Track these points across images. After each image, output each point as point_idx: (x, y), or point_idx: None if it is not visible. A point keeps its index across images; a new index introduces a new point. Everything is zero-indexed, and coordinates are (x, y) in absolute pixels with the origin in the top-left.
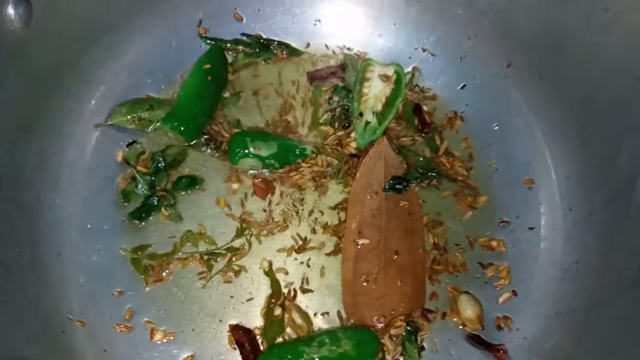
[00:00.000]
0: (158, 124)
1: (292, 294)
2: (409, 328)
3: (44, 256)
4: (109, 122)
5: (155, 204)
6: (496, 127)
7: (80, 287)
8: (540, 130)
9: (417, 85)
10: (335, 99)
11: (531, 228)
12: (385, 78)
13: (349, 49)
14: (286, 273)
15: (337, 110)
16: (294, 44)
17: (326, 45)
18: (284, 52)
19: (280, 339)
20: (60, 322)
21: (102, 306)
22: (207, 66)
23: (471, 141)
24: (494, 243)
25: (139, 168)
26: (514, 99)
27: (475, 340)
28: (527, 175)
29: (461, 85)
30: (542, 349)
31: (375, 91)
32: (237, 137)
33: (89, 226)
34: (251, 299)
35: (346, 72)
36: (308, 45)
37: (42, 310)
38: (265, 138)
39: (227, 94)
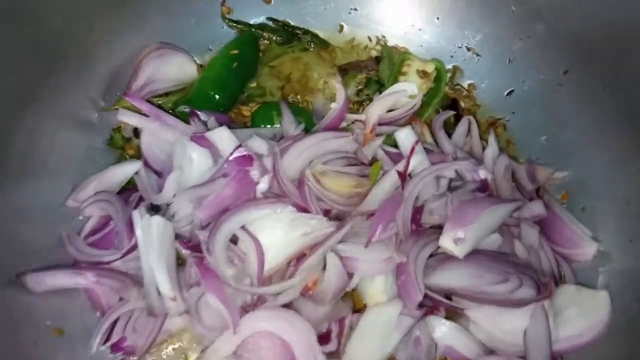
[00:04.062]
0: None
1: None
2: None
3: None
4: (115, 107)
5: None
6: (544, 140)
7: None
8: (597, 148)
9: (458, 83)
10: (366, 92)
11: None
12: (423, 74)
13: (385, 42)
14: None
15: (366, 103)
16: (326, 33)
17: (369, 38)
18: (312, 44)
19: None
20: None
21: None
22: (235, 52)
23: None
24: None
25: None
26: (569, 110)
27: None
28: (579, 197)
29: (508, 90)
30: None
31: None
32: (262, 109)
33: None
34: None
35: (381, 65)
36: (341, 30)
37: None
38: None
39: (253, 84)
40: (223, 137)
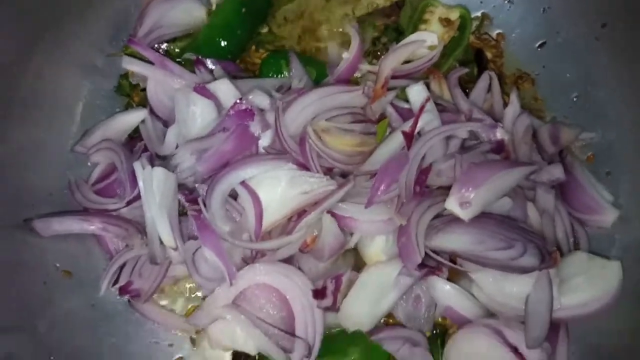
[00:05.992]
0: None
1: None
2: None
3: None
4: (122, 53)
5: None
6: (575, 98)
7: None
8: (629, 109)
9: (486, 33)
10: (383, 40)
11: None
12: (446, 22)
13: None
14: None
15: (382, 53)
16: None
17: None
18: None
19: None
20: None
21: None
22: None
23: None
24: None
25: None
26: (603, 66)
27: None
28: (605, 160)
29: (540, 42)
30: None
31: None
32: (271, 58)
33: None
34: None
35: (402, 11)
36: None
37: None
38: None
39: (265, 30)
40: (224, 89)
